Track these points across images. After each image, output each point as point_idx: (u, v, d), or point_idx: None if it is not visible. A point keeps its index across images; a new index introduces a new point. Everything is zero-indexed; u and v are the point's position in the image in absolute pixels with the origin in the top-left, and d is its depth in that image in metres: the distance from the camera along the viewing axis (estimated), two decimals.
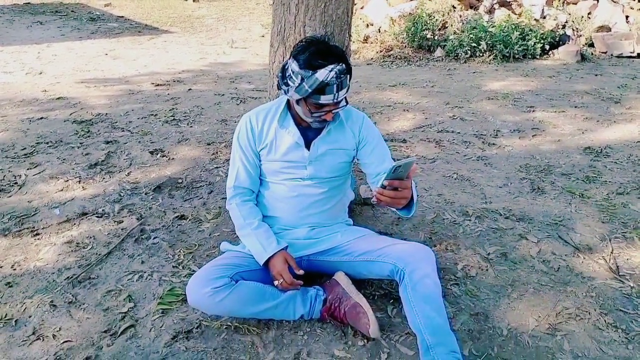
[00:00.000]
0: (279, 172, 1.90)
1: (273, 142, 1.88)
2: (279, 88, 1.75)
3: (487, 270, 2.13)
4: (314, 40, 1.68)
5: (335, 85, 1.60)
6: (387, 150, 2.00)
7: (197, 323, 1.80)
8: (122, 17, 9.20)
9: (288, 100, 1.89)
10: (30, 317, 1.83)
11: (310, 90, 1.61)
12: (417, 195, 1.78)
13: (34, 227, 2.41)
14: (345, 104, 1.77)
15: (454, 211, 2.60)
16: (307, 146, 1.86)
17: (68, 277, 2.04)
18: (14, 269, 2.10)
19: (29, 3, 10.43)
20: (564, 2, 7.86)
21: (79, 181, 2.87)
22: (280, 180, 1.91)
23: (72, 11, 9.64)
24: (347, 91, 1.68)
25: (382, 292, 1.97)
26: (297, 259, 1.89)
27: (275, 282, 1.73)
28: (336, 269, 1.90)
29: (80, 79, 4.99)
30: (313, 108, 1.69)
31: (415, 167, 1.60)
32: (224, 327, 1.78)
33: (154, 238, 2.33)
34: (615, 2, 7.80)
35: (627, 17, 7.55)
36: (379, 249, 1.81)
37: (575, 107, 4.31)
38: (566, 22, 6.98)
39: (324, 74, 1.57)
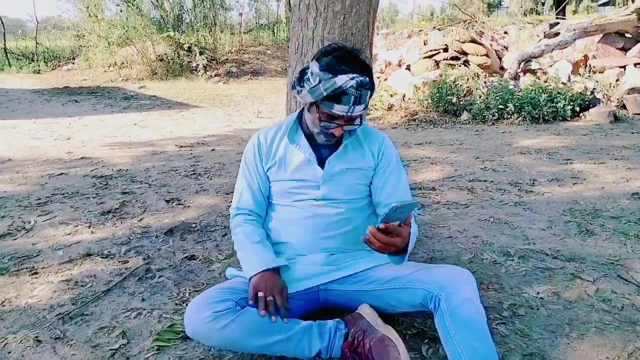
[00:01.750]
0: (290, 192, 1.71)
1: (282, 159, 1.71)
2: (292, 88, 1.61)
3: (538, 309, 1.82)
4: (341, 46, 1.56)
5: (353, 97, 1.45)
6: (404, 180, 1.79)
7: (196, 356, 1.54)
8: (155, 95, 9.57)
9: (300, 116, 1.74)
10: (9, 352, 1.59)
11: (324, 94, 1.45)
12: (413, 245, 1.55)
13: (33, 267, 2.22)
14: (359, 123, 1.61)
15: (494, 252, 2.32)
16: (320, 164, 1.69)
17: (59, 314, 1.82)
18: (3, 305, 1.89)
19: (67, 87, 11.00)
20: (590, 70, 7.82)
21: (89, 226, 2.72)
22: (291, 202, 1.71)
23: (107, 92, 10.09)
24: (364, 109, 1.52)
25: (415, 331, 1.68)
26: (313, 290, 1.65)
27: (260, 293, 1.46)
28: (359, 301, 1.64)
29: (106, 143, 5.02)
30: (323, 117, 1.53)
31: (412, 215, 1.42)
32: None
33: (159, 277, 2.11)
34: None
35: None
36: (409, 274, 1.56)
37: (615, 159, 4.05)
38: (594, 88, 6.88)
39: (343, 79, 1.43)
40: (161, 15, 13.00)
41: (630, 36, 8.71)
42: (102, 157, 4.40)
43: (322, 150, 1.69)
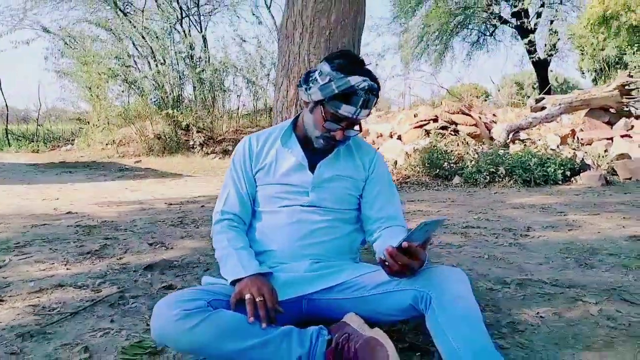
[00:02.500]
0: (277, 197, 1.64)
1: (272, 163, 1.66)
2: (299, 86, 1.60)
3: (538, 326, 1.69)
4: (352, 53, 1.59)
5: (362, 99, 1.45)
6: (395, 194, 1.75)
7: None
8: (149, 168, 9.63)
9: (294, 122, 1.72)
10: None
11: (336, 92, 1.44)
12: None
13: (0, 296, 2.08)
14: (358, 131, 1.60)
15: (489, 281, 2.20)
16: (311, 171, 1.64)
17: (19, 333, 1.67)
18: None
19: (63, 162, 11.10)
20: (578, 142, 7.98)
21: (65, 264, 2.58)
22: (277, 207, 1.64)
23: (102, 166, 10.16)
24: (368, 115, 1.52)
25: (406, 345, 1.54)
26: (296, 299, 1.53)
27: (247, 296, 1.35)
28: (345, 310, 1.51)
29: (94, 202, 4.95)
30: (328, 116, 1.51)
31: (431, 237, 1.38)
32: None
33: (133, 303, 1.97)
34: (630, 137, 7.89)
35: None
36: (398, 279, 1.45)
37: (610, 212, 4.00)
38: (583, 157, 6.98)
39: (357, 80, 1.44)
40: (161, 97, 13.40)
41: (615, 111, 9.01)
42: (88, 212, 4.31)
43: (314, 157, 1.65)
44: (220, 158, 11.15)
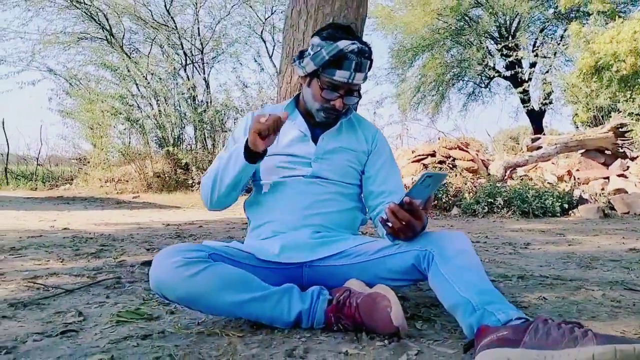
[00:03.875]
0: (279, 167, 1.65)
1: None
2: (293, 62, 1.64)
3: (542, 305, 1.66)
4: (340, 23, 1.65)
5: (354, 62, 1.48)
6: (397, 171, 1.77)
7: (159, 329, 1.35)
8: (147, 202, 9.61)
9: (296, 98, 1.76)
10: None
11: (327, 58, 1.48)
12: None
13: None
14: (358, 98, 1.62)
15: (490, 276, 2.17)
16: (314, 142, 1.66)
17: (12, 303, 1.63)
18: None
19: (61, 197, 11.08)
20: (575, 181, 8.03)
21: (61, 261, 2.55)
22: (279, 178, 1.64)
23: (100, 200, 10.14)
24: (364, 79, 1.55)
25: (407, 315, 1.51)
26: (297, 266, 1.52)
27: (262, 119, 1.38)
28: (346, 277, 1.50)
29: (91, 223, 4.91)
30: (325, 85, 1.54)
31: (432, 197, 1.39)
32: (195, 332, 1.32)
33: (129, 287, 1.94)
34: (626, 177, 7.95)
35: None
36: (400, 242, 1.45)
37: (609, 234, 3.98)
38: (581, 194, 7.02)
39: (345, 43, 1.47)
40: (162, 136, 13.56)
41: (610, 153, 9.13)
42: (85, 229, 4.28)
43: (317, 130, 1.67)
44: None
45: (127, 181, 13.30)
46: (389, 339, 1.24)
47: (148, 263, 2.44)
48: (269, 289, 1.33)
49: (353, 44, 1.47)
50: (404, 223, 1.33)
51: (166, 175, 12.97)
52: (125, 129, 13.70)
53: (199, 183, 12.20)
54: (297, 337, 1.28)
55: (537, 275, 2.17)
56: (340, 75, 1.50)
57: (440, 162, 7.66)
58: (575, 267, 2.41)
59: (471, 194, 6.08)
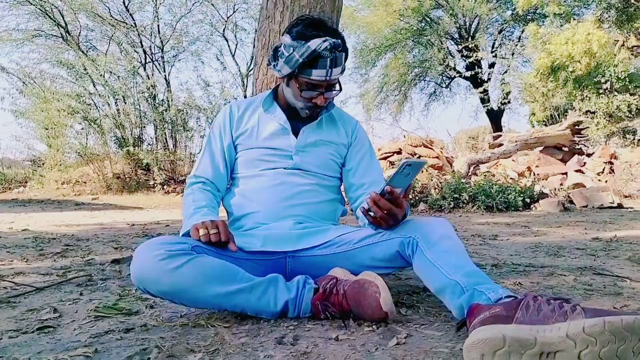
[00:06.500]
0: (259, 160, 1.63)
1: (255, 128, 1.65)
2: (268, 64, 1.61)
3: (518, 290, 1.70)
4: (309, 16, 1.62)
5: (328, 60, 1.45)
6: (377, 163, 1.78)
7: (140, 323, 1.31)
8: (108, 203, 9.34)
9: (274, 91, 1.73)
10: None
11: (300, 60, 1.45)
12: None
13: None
14: (339, 90, 1.61)
15: None
16: (295, 135, 1.65)
17: None
18: None
19: (15, 199, 10.66)
20: (535, 177, 8.30)
21: (25, 261, 2.45)
22: (259, 171, 1.62)
23: (58, 202, 9.80)
24: (341, 72, 1.53)
25: (394, 300, 1.52)
26: (280, 256, 1.51)
27: (201, 231, 1.35)
28: (330, 266, 1.49)
29: (51, 224, 4.74)
30: (304, 86, 1.52)
31: (411, 187, 1.41)
32: (179, 325, 1.29)
33: (102, 284, 1.87)
34: (582, 173, 8.28)
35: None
36: (383, 230, 1.46)
37: (571, 226, 4.13)
38: (541, 188, 7.26)
39: (316, 43, 1.43)
40: (122, 135, 13.21)
41: (567, 149, 9.49)
42: (46, 230, 4.12)
43: (296, 123, 1.65)
44: (182, 196, 10.99)
45: (85, 183, 12.91)
46: (377, 324, 1.24)
47: (118, 261, 2.39)
48: (254, 280, 1.31)
49: (325, 41, 1.43)
50: (385, 212, 1.34)
51: (126, 176, 12.66)
52: (82, 129, 13.29)
53: (160, 184, 11.97)
54: (285, 325, 1.27)
55: (510, 263, 2.22)
56: (317, 75, 1.47)
57: None
58: (544, 255, 2.48)
59: (437, 190, 6.19)
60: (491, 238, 3.28)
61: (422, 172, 6.71)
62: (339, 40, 1.48)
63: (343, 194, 1.77)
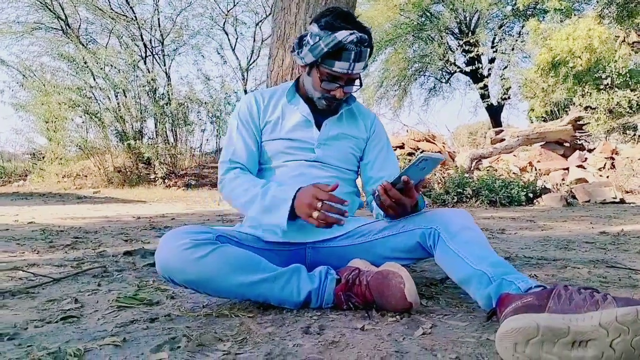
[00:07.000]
0: (282, 153, 1.63)
1: (280, 119, 1.65)
2: (292, 52, 1.61)
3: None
4: (339, 7, 1.61)
5: (353, 53, 1.44)
6: (394, 157, 1.79)
7: (163, 313, 1.32)
8: (110, 197, 9.34)
9: (296, 82, 1.73)
10: None
11: (325, 50, 1.44)
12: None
13: None
14: (359, 86, 1.61)
15: None
16: (317, 128, 1.65)
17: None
18: None
19: (17, 193, 10.65)
20: (536, 172, 8.31)
21: (37, 253, 2.45)
22: (281, 162, 1.63)
23: (59, 196, 9.79)
24: (364, 68, 1.53)
25: None
26: (300, 247, 1.52)
27: (315, 214, 1.32)
28: (350, 257, 1.50)
29: (56, 217, 4.74)
30: (324, 76, 1.52)
31: (425, 180, 1.41)
32: (203, 315, 1.30)
33: (118, 275, 1.88)
34: (584, 168, 8.29)
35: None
36: (402, 220, 1.46)
37: (576, 220, 4.15)
38: (543, 183, 7.27)
39: (343, 34, 1.43)
40: (122, 129, 13.17)
41: (569, 145, 9.50)
42: (52, 223, 4.12)
43: (319, 116, 1.65)
44: (183, 190, 10.97)
45: (85, 176, 12.89)
46: (400, 315, 1.25)
47: (130, 253, 2.39)
48: (277, 270, 1.32)
49: (352, 34, 1.43)
50: (394, 201, 1.35)
51: (127, 170, 12.64)
52: (83, 122, 13.26)
53: (161, 178, 11.95)
54: (309, 315, 1.27)
55: (522, 257, 2.23)
56: (339, 67, 1.47)
57: (409, 154, 7.80)
58: (554, 249, 2.49)
59: (440, 184, 6.20)
60: (499, 232, 3.29)
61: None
62: (366, 35, 1.48)
63: (359, 187, 1.78)
